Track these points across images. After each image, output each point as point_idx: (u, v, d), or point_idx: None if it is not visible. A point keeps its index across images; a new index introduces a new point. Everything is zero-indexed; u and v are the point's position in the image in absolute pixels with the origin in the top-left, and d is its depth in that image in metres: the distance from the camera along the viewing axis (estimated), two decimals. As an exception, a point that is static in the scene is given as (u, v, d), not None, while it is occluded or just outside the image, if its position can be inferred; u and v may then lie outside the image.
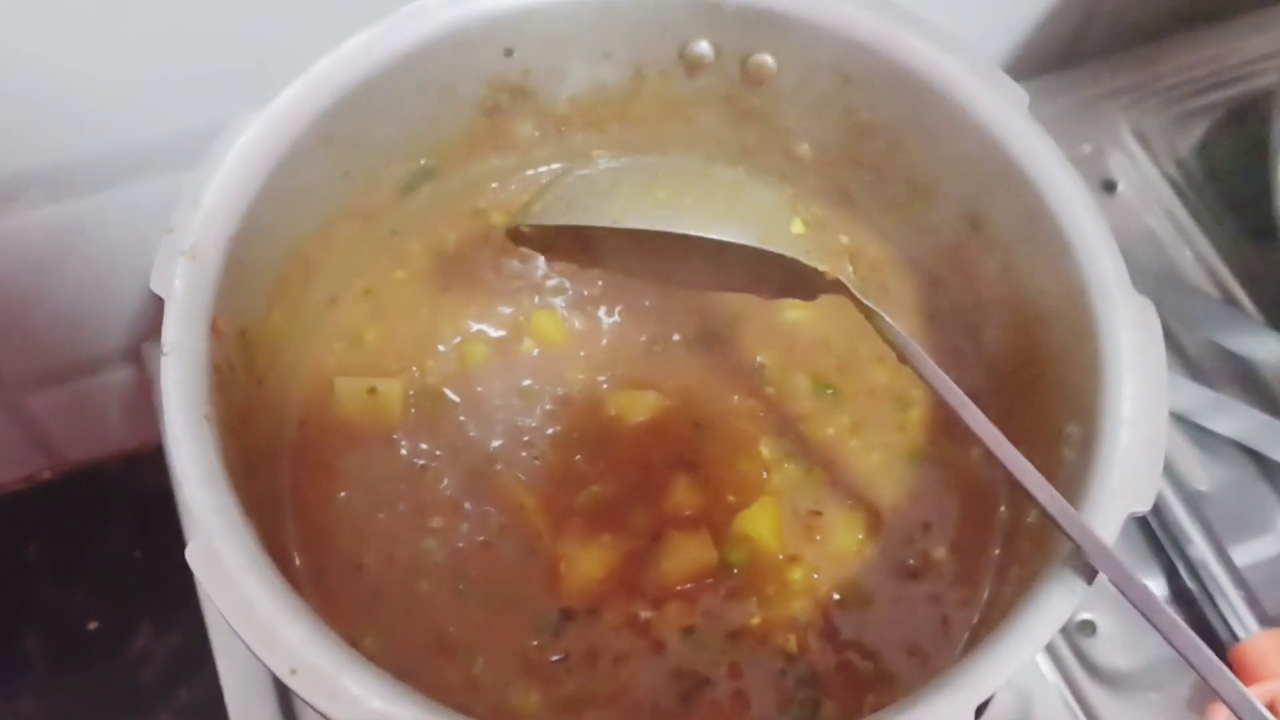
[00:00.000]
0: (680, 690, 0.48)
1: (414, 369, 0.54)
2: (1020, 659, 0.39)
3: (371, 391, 0.53)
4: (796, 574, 0.51)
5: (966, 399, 0.44)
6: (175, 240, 0.44)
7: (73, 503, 0.75)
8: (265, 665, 0.36)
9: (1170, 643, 0.39)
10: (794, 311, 0.56)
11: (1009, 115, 0.50)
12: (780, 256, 0.46)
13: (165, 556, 0.72)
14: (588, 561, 0.50)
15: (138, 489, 0.75)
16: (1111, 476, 0.42)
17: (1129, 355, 0.45)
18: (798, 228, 0.46)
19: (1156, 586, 0.63)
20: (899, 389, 0.55)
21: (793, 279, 0.47)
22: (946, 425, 0.54)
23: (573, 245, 0.51)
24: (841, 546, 0.51)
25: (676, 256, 0.48)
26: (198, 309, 0.43)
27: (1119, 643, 0.61)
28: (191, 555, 0.38)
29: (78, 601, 0.72)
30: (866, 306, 0.47)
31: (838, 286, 0.47)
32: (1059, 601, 0.40)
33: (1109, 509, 0.42)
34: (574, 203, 0.48)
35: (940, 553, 0.51)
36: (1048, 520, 0.42)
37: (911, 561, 0.51)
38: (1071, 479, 0.44)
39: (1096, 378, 0.45)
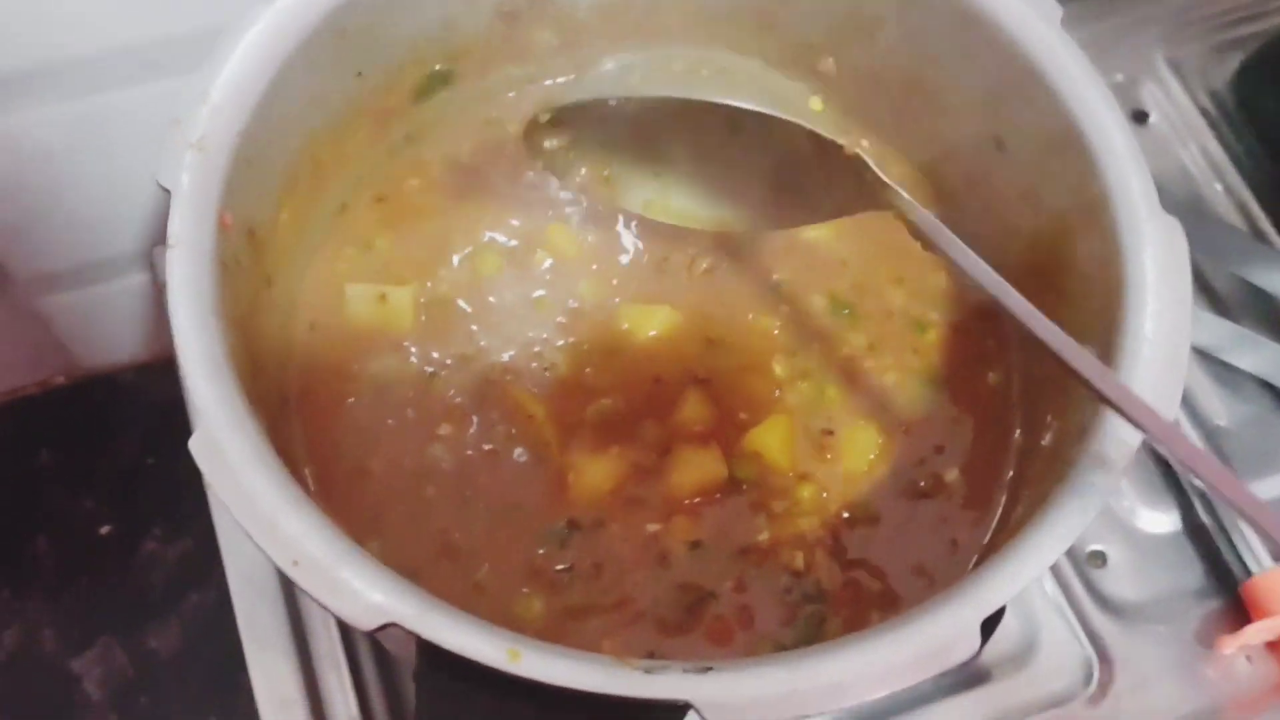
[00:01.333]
0: (685, 603, 0.48)
1: (425, 278, 0.54)
2: (1028, 576, 0.39)
3: (382, 298, 0.53)
4: (806, 492, 0.50)
5: (999, 279, 0.43)
6: (182, 132, 0.43)
7: (86, 409, 0.75)
8: (267, 556, 0.36)
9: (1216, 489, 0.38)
10: (812, 231, 0.55)
11: (1040, 29, 0.48)
12: (798, 131, 0.45)
13: (177, 464, 0.72)
14: (596, 472, 0.50)
15: (151, 398, 0.75)
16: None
17: (1153, 274, 0.44)
18: (816, 104, 0.46)
19: (1169, 521, 0.62)
20: (916, 311, 0.54)
21: (814, 185, 0.46)
22: (964, 348, 0.53)
23: (594, 173, 0.50)
24: (852, 466, 0.51)
25: (696, 181, 0.47)
26: (205, 202, 0.43)
27: (1129, 574, 0.61)
28: (195, 445, 0.38)
29: (89, 506, 0.72)
30: (887, 185, 0.46)
31: (856, 167, 0.46)
32: (1070, 519, 0.40)
33: (1129, 427, 0.41)
34: (590, 88, 0.47)
35: (952, 475, 0.51)
36: (1087, 391, 0.40)
37: (922, 483, 0.51)
38: (1088, 398, 0.43)
39: (1119, 296, 0.44)
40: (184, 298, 0.40)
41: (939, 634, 0.37)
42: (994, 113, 0.52)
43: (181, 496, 0.72)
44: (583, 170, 0.53)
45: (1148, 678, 0.58)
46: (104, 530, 0.72)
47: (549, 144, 0.52)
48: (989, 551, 0.49)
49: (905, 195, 0.45)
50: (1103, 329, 0.44)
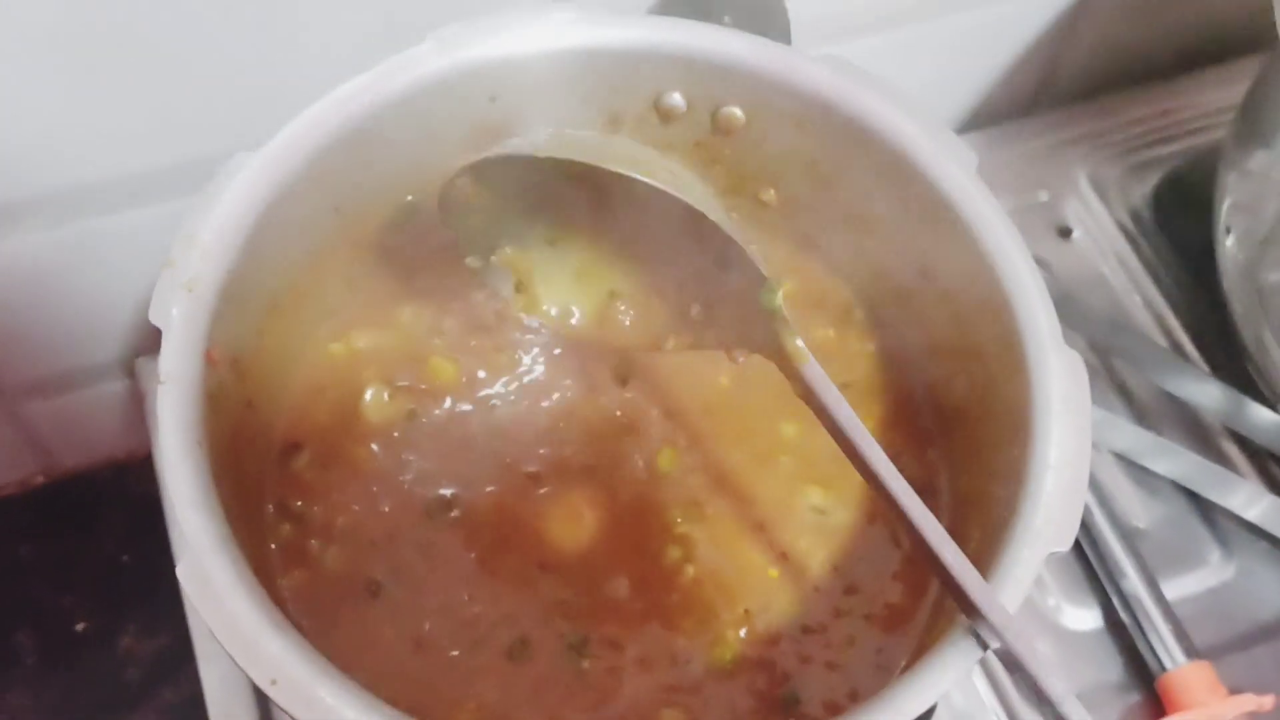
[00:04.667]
0: None
1: (396, 387, 0.58)
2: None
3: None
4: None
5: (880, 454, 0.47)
6: (173, 274, 0.47)
7: (65, 508, 0.77)
8: (248, 676, 0.40)
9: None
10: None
11: (958, 176, 0.53)
12: (721, 239, 0.49)
13: (153, 562, 0.75)
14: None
15: (128, 496, 0.78)
16: (1035, 518, 0.46)
17: (1057, 404, 0.48)
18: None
19: (1091, 618, 0.66)
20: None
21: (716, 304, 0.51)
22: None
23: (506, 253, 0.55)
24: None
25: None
26: (194, 340, 0.46)
27: (1053, 669, 0.64)
28: (182, 573, 0.41)
29: (68, 602, 0.75)
30: (789, 328, 0.50)
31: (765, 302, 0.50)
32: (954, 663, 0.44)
33: (1031, 548, 0.45)
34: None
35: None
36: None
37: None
38: (1000, 517, 0.47)
39: (1028, 425, 0.48)
40: (173, 432, 0.44)
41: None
42: (918, 246, 0.56)
43: (157, 593, 0.74)
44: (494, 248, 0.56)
45: (1072, 768, 0.62)
46: (81, 626, 0.74)
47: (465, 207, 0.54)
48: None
49: (801, 345, 0.49)
50: (1014, 452, 0.49)
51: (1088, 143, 0.81)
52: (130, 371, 0.71)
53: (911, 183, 0.54)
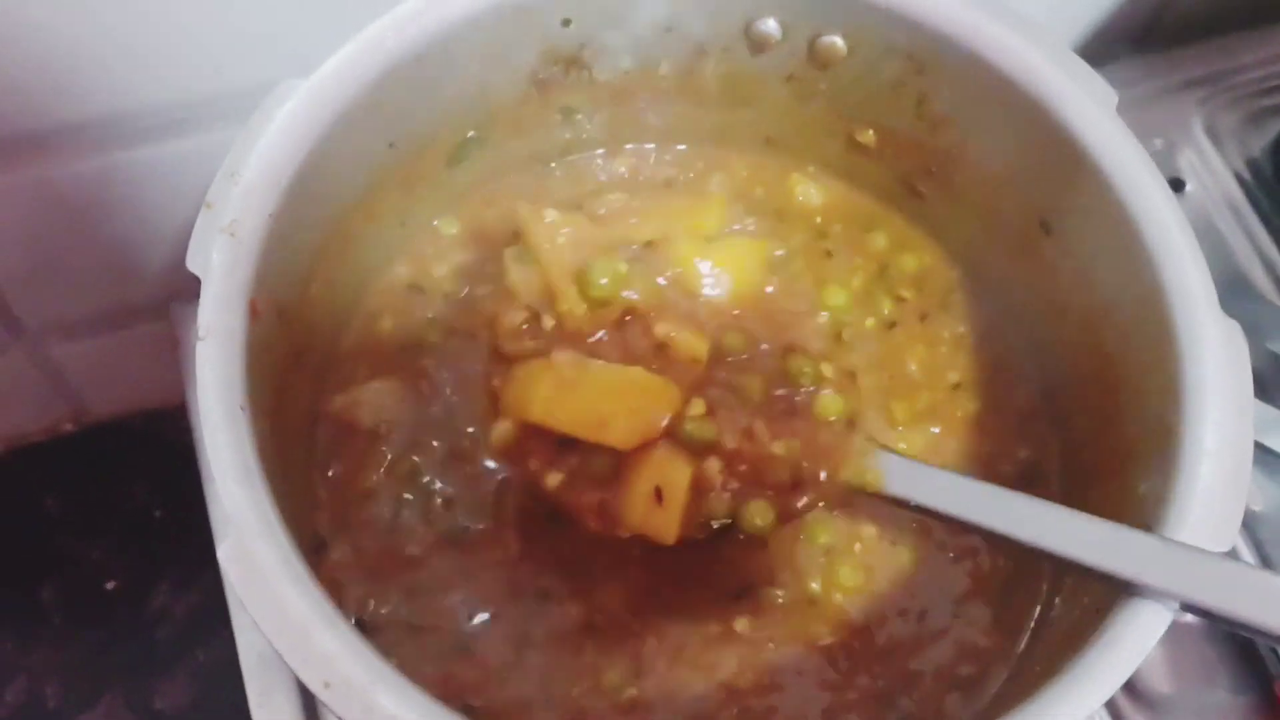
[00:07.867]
0: None
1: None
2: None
3: None
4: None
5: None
6: (213, 216, 0.42)
7: (94, 457, 0.73)
8: (298, 678, 0.35)
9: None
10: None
11: (1094, 115, 0.47)
12: None
13: (186, 516, 0.71)
14: None
15: (160, 446, 0.73)
16: (1190, 513, 0.40)
17: (1214, 381, 0.42)
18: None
19: (1203, 609, 0.61)
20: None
21: None
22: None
23: None
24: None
25: None
26: (236, 289, 0.41)
27: (1161, 666, 0.59)
28: (224, 556, 0.36)
29: (96, 557, 0.71)
30: None
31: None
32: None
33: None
34: None
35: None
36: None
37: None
38: (1146, 513, 0.42)
39: (1177, 404, 0.42)
40: (215, 393, 0.39)
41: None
42: (1040, 194, 0.50)
43: (190, 550, 0.70)
44: None
45: (1181, 772, 0.57)
46: (110, 585, 0.70)
47: None
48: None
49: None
50: (1158, 438, 0.43)
51: (1204, 86, 0.73)
52: (165, 315, 0.66)
53: (1039, 121, 0.48)
